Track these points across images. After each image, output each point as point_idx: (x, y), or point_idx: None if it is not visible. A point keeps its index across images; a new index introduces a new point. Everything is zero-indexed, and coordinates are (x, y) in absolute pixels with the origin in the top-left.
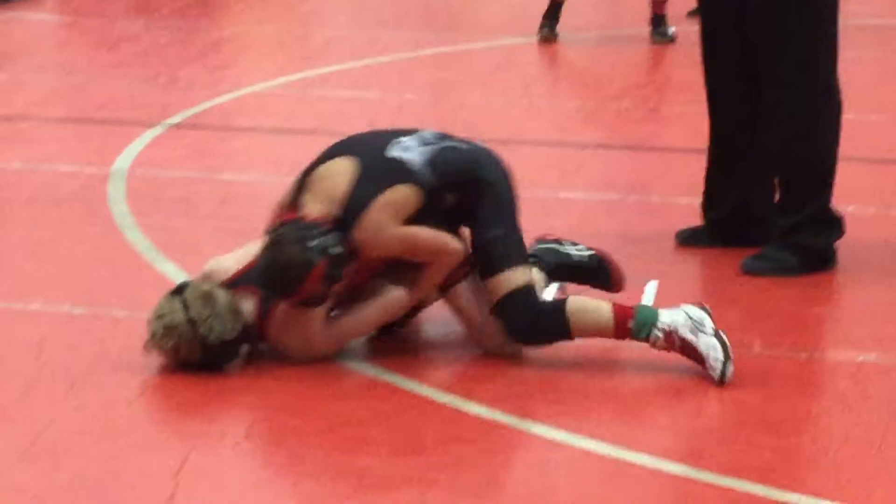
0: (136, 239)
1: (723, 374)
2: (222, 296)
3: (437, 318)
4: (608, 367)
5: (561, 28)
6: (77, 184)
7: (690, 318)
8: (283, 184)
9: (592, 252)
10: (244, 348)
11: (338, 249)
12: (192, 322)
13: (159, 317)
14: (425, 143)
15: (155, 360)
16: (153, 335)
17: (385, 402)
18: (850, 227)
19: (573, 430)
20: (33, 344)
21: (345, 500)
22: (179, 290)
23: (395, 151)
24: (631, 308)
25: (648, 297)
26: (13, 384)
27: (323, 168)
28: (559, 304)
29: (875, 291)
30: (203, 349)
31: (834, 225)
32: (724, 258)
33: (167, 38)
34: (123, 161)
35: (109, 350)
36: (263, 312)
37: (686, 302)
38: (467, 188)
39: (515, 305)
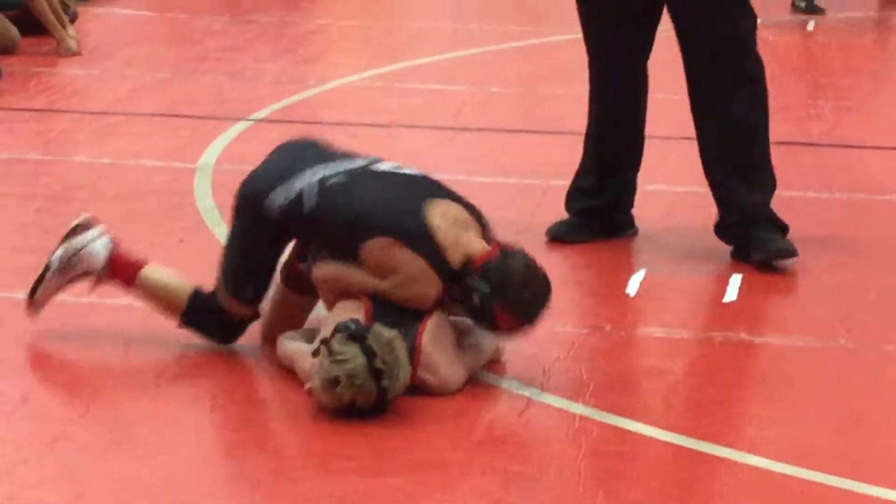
0: (222, 233)
1: None
2: (400, 344)
3: None
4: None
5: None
6: (164, 178)
7: None
8: None
9: None
10: None
11: None
12: (377, 372)
13: (339, 362)
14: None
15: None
16: (333, 382)
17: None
18: None
19: None
20: (121, 338)
21: None
22: (358, 336)
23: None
24: None
25: (732, 290)
26: (101, 378)
27: (442, 213)
28: None
29: None
30: (379, 398)
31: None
32: None
33: (253, 33)
34: (210, 156)
35: (195, 346)
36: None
37: None
38: None
39: None
